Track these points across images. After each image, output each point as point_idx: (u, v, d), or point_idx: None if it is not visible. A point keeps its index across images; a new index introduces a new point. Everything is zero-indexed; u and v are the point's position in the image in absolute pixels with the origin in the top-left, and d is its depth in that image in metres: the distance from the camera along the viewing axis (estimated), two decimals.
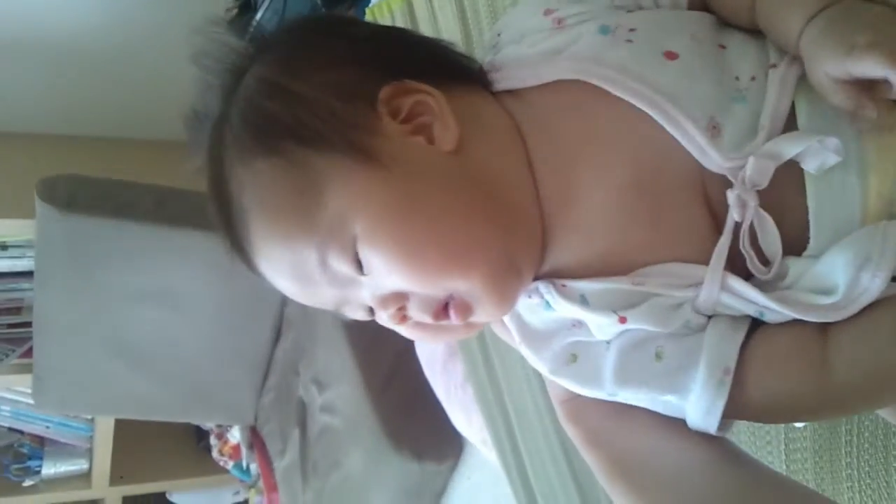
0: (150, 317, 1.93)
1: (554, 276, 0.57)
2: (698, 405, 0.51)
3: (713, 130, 0.51)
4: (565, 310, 0.56)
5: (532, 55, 0.58)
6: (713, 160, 0.51)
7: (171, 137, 2.35)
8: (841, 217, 0.49)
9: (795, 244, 0.51)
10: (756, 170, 0.49)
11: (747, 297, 0.50)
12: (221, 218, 0.59)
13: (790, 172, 0.50)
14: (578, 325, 0.57)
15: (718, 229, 0.52)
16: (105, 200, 1.77)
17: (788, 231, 0.50)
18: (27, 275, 2.01)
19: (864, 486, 0.70)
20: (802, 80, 0.51)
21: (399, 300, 0.55)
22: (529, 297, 0.58)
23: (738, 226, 0.51)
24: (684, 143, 0.51)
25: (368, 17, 1.37)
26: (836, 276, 0.48)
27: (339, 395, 1.83)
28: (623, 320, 0.53)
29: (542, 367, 0.59)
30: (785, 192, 0.50)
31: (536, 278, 0.58)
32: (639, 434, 0.55)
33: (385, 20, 1.31)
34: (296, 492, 2.00)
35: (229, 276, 1.93)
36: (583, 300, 0.55)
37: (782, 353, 0.50)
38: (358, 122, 0.55)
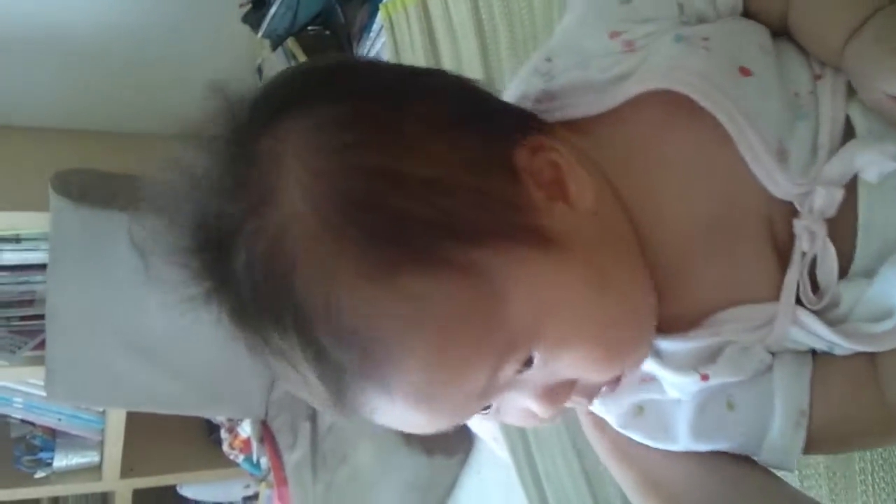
0: (163, 310, 1.93)
1: None
2: (775, 449, 0.49)
3: (781, 155, 0.48)
4: (645, 367, 0.52)
5: (604, 80, 0.52)
6: (782, 187, 0.48)
7: (185, 131, 2.37)
8: (890, 226, 0.47)
9: (841, 262, 0.48)
10: (825, 199, 0.47)
11: (816, 333, 0.48)
12: (324, 371, 0.44)
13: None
14: (649, 379, 0.53)
15: (780, 261, 0.49)
16: (119, 194, 1.78)
17: (838, 249, 0.48)
18: (40, 267, 2.01)
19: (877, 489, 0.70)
20: (850, 88, 0.49)
21: (569, 389, 0.49)
22: None
23: (801, 255, 0.48)
24: (755, 168, 0.48)
25: (382, 15, 1.37)
26: (892, 297, 0.46)
27: None
28: (705, 377, 0.49)
29: (611, 420, 0.56)
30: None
31: None
32: (673, 458, 0.53)
33: (399, 16, 1.31)
34: (306, 485, 2.01)
35: None
36: (657, 357, 0.51)
37: (840, 389, 0.48)
38: (511, 201, 0.45)
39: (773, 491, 0.52)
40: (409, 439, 1.63)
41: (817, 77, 0.50)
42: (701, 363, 0.49)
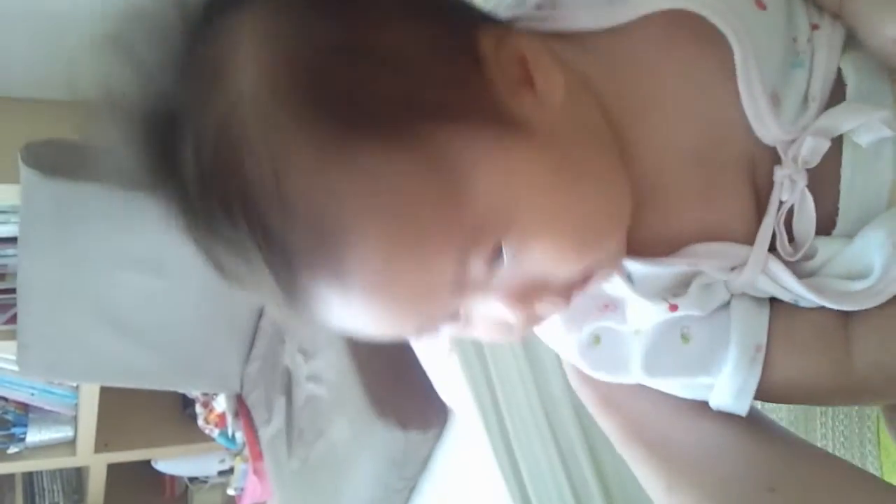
0: (135, 283, 1.92)
1: None
2: (731, 384, 0.49)
3: (774, 99, 0.47)
4: (611, 284, 0.51)
5: None
6: (771, 132, 0.47)
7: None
8: (870, 191, 0.47)
9: (822, 222, 0.48)
10: (810, 149, 0.46)
11: (784, 284, 0.47)
12: (273, 256, 0.41)
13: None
14: (611, 307, 0.52)
15: (758, 207, 0.49)
16: (90, 165, 1.76)
17: (817, 207, 0.48)
18: (11, 241, 1.99)
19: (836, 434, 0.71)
20: (846, 42, 0.49)
21: (540, 289, 0.46)
22: None
23: (780, 204, 0.48)
24: (748, 106, 0.47)
25: None
26: (871, 257, 0.46)
27: (324, 364, 1.83)
28: (674, 308, 0.49)
29: (570, 349, 0.54)
30: (820, 165, 0.47)
31: None
32: (658, 401, 0.53)
33: None
34: (281, 460, 2.01)
35: None
36: (629, 279, 0.50)
37: (804, 340, 0.48)
38: (476, 84, 0.44)
39: (761, 435, 0.51)
40: (385, 414, 1.64)
41: (814, 27, 0.49)
42: (671, 293, 0.49)
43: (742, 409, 0.49)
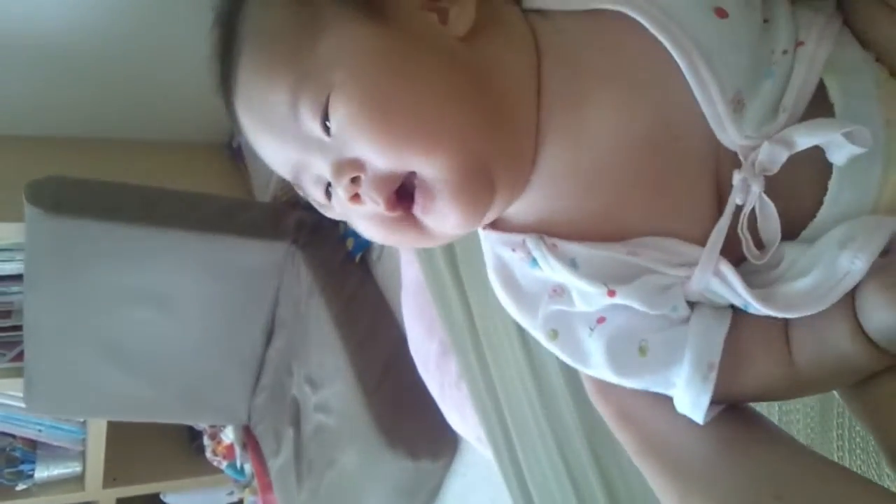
0: (140, 318, 1.92)
1: (542, 232, 0.53)
2: (683, 399, 0.50)
3: (737, 104, 0.48)
4: (553, 271, 0.52)
5: None
6: (729, 135, 0.48)
7: (159, 138, 2.35)
8: (853, 203, 0.48)
9: (796, 228, 0.49)
10: (768, 155, 0.47)
11: (733, 288, 0.48)
12: (218, 47, 0.57)
13: (812, 158, 0.48)
14: (560, 291, 0.54)
15: (721, 210, 0.49)
16: (93, 202, 1.76)
17: (794, 215, 0.49)
18: (16, 278, 2.00)
19: (854, 458, 0.70)
20: (833, 58, 0.49)
21: (356, 168, 0.51)
22: (514, 250, 0.55)
23: (739, 208, 0.48)
24: (705, 108, 0.48)
25: None
26: (818, 257, 0.46)
27: (332, 393, 1.83)
28: (612, 294, 0.50)
29: (538, 335, 0.56)
30: (801, 177, 0.48)
31: (522, 231, 0.54)
32: (671, 414, 0.53)
33: None
34: (291, 491, 2.00)
35: (220, 277, 1.93)
36: (573, 264, 0.52)
37: (750, 350, 0.49)
38: None
39: (769, 445, 0.52)
40: (395, 444, 1.63)
41: (800, 43, 0.50)
42: (612, 280, 0.50)
43: (698, 418, 0.50)
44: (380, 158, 0.50)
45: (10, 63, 2.06)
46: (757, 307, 0.47)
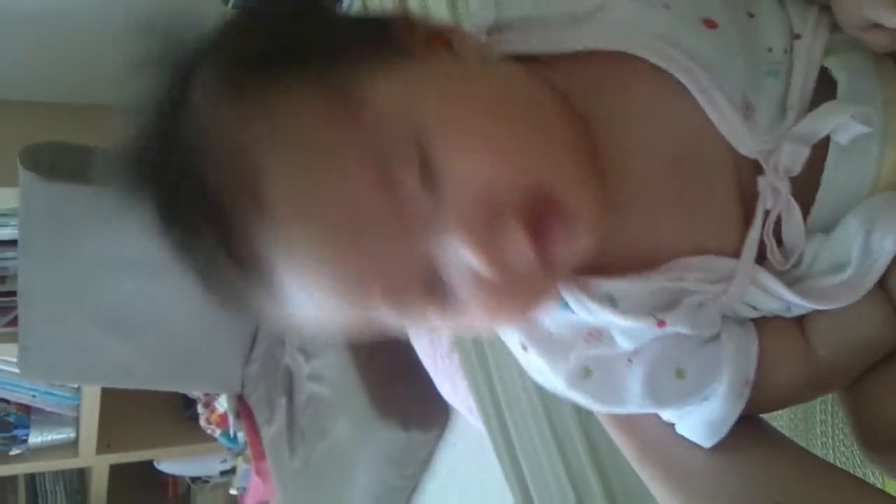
0: (135, 285, 1.92)
1: (575, 272, 0.49)
2: (712, 415, 0.49)
3: (747, 111, 0.47)
4: (590, 313, 0.49)
5: (555, 17, 0.51)
6: (746, 143, 0.47)
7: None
8: (851, 184, 0.47)
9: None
10: (790, 156, 0.46)
11: (775, 293, 0.47)
12: (205, 215, 0.45)
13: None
14: (596, 334, 0.51)
15: (746, 218, 0.48)
16: (89, 168, 1.76)
17: (797, 203, 0.47)
18: (11, 244, 2.00)
19: (838, 454, 0.71)
20: (830, 42, 0.49)
21: (497, 212, 0.43)
22: None
23: (765, 214, 0.47)
24: (717, 122, 0.47)
25: None
26: (849, 248, 0.46)
27: (325, 363, 1.84)
28: (662, 324, 0.48)
29: (557, 381, 0.52)
30: (805, 163, 0.47)
31: None
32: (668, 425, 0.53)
33: None
34: (283, 459, 2.01)
35: None
36: (611, 302, 0.48)
37: (774, 353, 0.49)
38: (383, 36, 0.48)
39: (770, 451, 0.52)
40: (387, 414, 1.64)
41: (796, 37, 0.49)
42: (658, 309, 0.48)
43: (719, 436, 0.50)
44: (511, 182, 0.44)
45: (5, 28, 2.04)
46: (804, 304, 0.46)
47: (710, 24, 0.48)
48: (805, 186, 0.47)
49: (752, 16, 0.50)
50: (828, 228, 0.47)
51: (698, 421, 0.51)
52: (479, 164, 0.43)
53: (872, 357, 0.47)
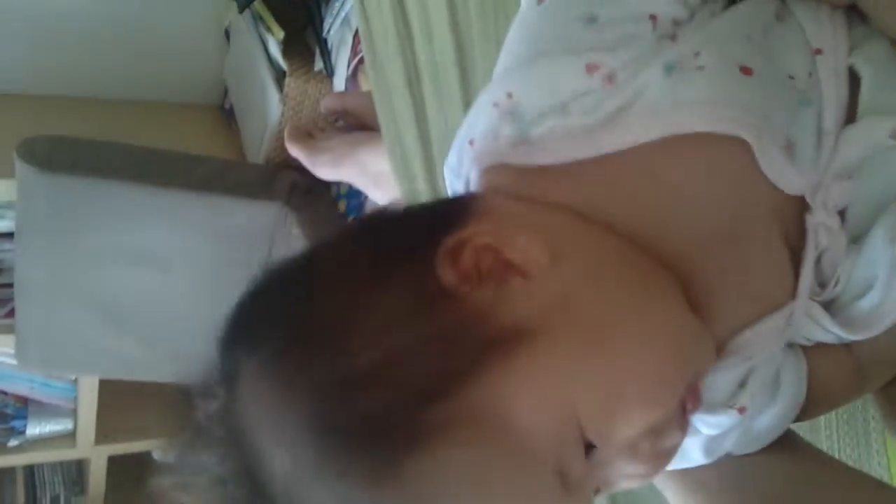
0: (133, 277, 1.92)
1: None
2: (758, 432, 0.49)
3: (789, 149, 0.45)
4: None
5: (589, 125, 0.46)
6: (795, 184, 0.45)
7: (152, 98, 2.34)
8: (880, 189, 0.46)
9: None
10: (839, 192, 0.45)
11: (824, 326, 0.46)
12: None
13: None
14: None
15: (794, 259, 0.47)
16: (86, 160, 1.76)
17: None
18: (8, 236, 1.99)
19: (843, 446, 0.72)
20: (853, 39, 0.47)
21: (651, 436, 0.43)
22: None
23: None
24: (766, 168, 0.44)
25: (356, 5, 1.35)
26: (875, 264, 0.44)
27: None
28: (742, 410, 0.47)
29: None
30: None
31: None
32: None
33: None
34: None
35: (213, 237, 1.93)
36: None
37: (821, 368, 0.49)
38: (458, 326, 0.41)
39: (792, 456, 0.52)
40: None
41: (817, 52, 0.47)
42: (733, 395, 0.47)
43: (753, 450, 0.50)
44: (665, 412, 0.43)
45: (3, 21, 2.04)
46: (850, 337, 0.46)
47: (747, 70, 0.45)
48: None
49: (771, 40, 0.47)
50: (861, 237, 0.46)
51: (742, 435, 0.50)
52: (638, 422, 0.42)
53: None
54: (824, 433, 0.72)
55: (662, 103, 0.44)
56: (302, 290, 0.45)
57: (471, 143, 0.51)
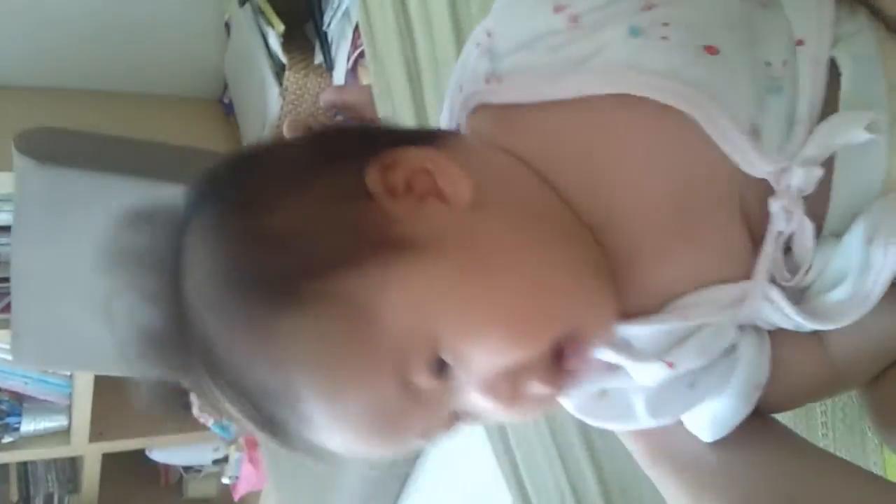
0: None
1: None
2: (719, 412, 0.50)
3: (753, 133, 0.46)
4: (607, 357, 0.51)
5: (551, 65, 0.49)
6: (756, 165, 0.46)
7: (151, 91, 2.33)
8: (862, 187, 0.46)
9: (815, 219, 0.47)
10: (804, 178, 0.45)
11: (784, 312, 0.47)
12: (262, 418, 0.47)
13: None
14: (614, 368, 0.52)
15: (753, 239, 0.48)
16: (84, 153, 1.75)
17: (808, 210, 0.47)
18: (5, 229, 1.99)
19: (839, 445, 0.71)
20: (838, 33, 0.48)
21: (510, 378, 0.46)
22: None
23: (778, 234, 0.47)
24: (726, 147, 0.46)
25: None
26: (850, 258, 0.45)
27: None
28: (671, 365, 0.48)
29: (568, 404, 0.55)
30: None
31: None
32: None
33: None
34: (276, 447, 2.01)
35: None
36: (627, 346, 0.50)
37: (789, 356, 0.49)
38: (366, 222, 0.46)
39: (781, 447, 0.52)
40: None
41: (798, 42, 0.48)
42: (665, 350, 0.49)
43: (714, 436, 0.51)
44: (527, 355, 0.46)
45: (5, 14, 2.03)
46: (809, 326, 0.46)
47: (712, 49, 0.47)
48: (816, 192, 0.47)
49: (749, 26, 0.49)
50: (839, 233, 0.47)
51: (704, 417, 0.51)
52: (501, 357, 0.45)
53: (888, 358, 0.48)
54: (820, 431, 0.72)
55: (619, 62, 0.47)
56: (261, 159, 0.52)
57: (460, 88, 0.54)
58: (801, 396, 0.51)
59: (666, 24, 0.47)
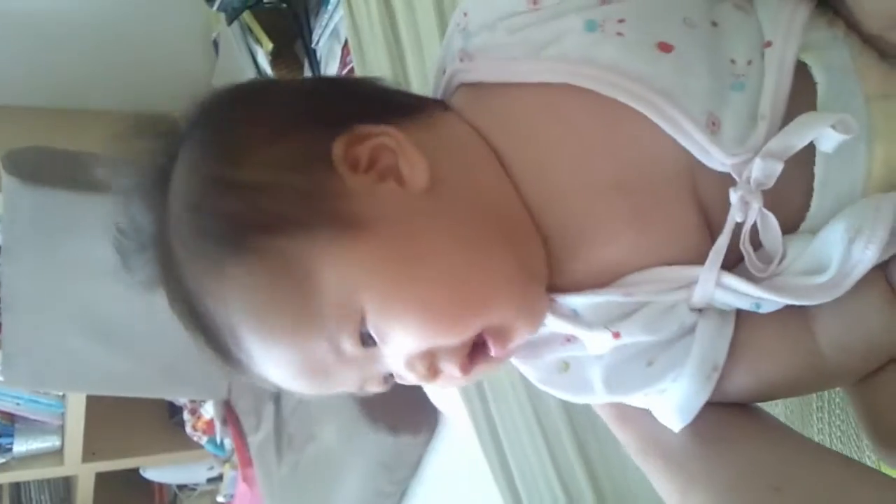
0: (120, 291, 1.90)
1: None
2: (680, 397, 0.51)
3: (713, 127, 0.48)
4: (557, 326, 0.53)
5: (510, 46, 0.52)
6: (715, 158, 0.48)
7: (139, 109, 2.32)
8: (844, 185, 0.48)
9: (793, 218, 0.49)
10: (762, 171, 0.47)
11: (742, 292, 0.48)
12: (208, 340, 0.53)
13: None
14: (572, 339, 0.54)
15: (710, 227, 0.50)
16: (72, 172, 1.74)
17: (788, 210, 0.48)
18: None
19: (834, 441, 0.71)
20: (809, 41, 0.49)
21: (428, 358, 0.51)
22: None
23: (738, 225, 0.48)
24: (684, 142, 0.48)
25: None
26: (830, 252, 0.46)
27: None
28: (617, 335, 0.51)
29: (531, 376, 0.58)
30: (786, 170, 0.47)
31: None
32: None
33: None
34: (270, 466, 2.00)
35: None
36: (574, 315, 0.52)
37: (771, 345, 0.50)
38: (322, 191, 0.49)
39: (767, 436, 0.53)
40: (375, 418, 1.63)
41: (767, 44, 0.49)
42: (612, 321, 0.51)
43: (681, 422, 0.52)
44: (450, 342, 0.50)
45: None
46: (772, 299, 0.48)
47: (665, 46, 0.49)
48: (800, 191, 0.48)
49: (714, 24, 0.51)
50: (816, 230, 0.48)
51: (669, 404, 0.52)
52: (419, 340, 0.50)
53: (879, 358, 0.48)
54: (816, 426, 0.72)
55: (573, 54, 0.50)
56: (254, 99, 0.56)
57: (444, 71, 0.57)
58: (787, 387, 0.52)
59: (621, 21, 0.50)
